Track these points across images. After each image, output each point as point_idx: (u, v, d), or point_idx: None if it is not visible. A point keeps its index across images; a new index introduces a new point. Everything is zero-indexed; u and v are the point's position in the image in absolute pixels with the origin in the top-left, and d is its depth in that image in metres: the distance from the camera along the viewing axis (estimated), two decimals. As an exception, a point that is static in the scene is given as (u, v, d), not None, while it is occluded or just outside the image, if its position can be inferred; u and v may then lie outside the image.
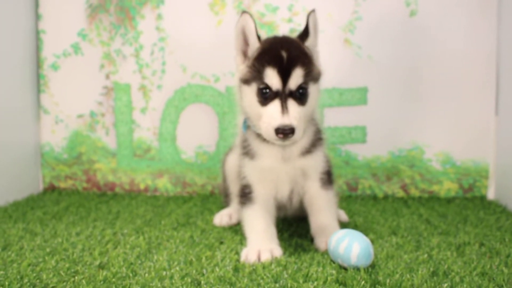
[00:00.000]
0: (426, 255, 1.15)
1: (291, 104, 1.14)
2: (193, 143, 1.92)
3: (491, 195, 1.80)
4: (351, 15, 1.83)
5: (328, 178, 1.30)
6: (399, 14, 1.80)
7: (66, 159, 1.98)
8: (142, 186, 1.96)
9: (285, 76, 1.14)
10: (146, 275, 1.04)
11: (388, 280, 0.97)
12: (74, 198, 1.86)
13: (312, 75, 1.19)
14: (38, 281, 1.01)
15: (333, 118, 1.85)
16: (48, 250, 1.22)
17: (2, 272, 1.06)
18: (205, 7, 1.88)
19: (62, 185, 1.99)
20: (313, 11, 1.20)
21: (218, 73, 1.89)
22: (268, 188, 1.28)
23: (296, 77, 1.15)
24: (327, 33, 1.83)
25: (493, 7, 1.76)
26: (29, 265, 1.11)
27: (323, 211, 1.28)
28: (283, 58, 1.15)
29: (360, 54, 1.83)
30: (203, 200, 1.83)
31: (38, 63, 1.94)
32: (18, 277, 1.03)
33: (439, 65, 1.79)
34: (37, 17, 1.92)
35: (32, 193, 1.94)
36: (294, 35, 1.86)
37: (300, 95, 1.16)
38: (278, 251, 1.18)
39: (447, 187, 1.82)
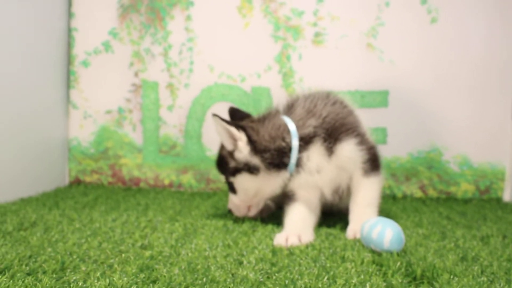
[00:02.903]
0: (453, 244, 1.20)
1: (230, 193, 1.47)
2: (218, 141, 1.96)
3: (507, 197, 1.86)
4: (374, 20, 1.90)
5: (370, 166, 1.33)
6: (421, 20, 1.87)
7: (92, 153, 2.03)
8: (166, 182, 2.01)
9: None
10: (190, 254, 1.09)
11: (421, 263, 1.02)
12: (100, 191, 1.91)
13: (229, 171, 1.40)
14: (86, 257, 1.06)
15: (354, 120, 1.91)
16: (88, 232, 1.27)
17: (50, 249, 1.11)
18: (233, 9, 1.95)
19: (88, 179, 2.05)
20: (212, 115, 1.38)
21: (244, 74, 1.95)
22: (310, 191, 1.36)
23: (222, 177, 1.47)
24: (351, 38, 1.91)
25: (510, 14, 1.83)
26: (74, 244, 1.16)
27: (359, 199, 1.33)
28: None
29: (383, 58, 1.90)
30: (226, 196, 1.88)
31: (69, 60, 2.01)
32: (68, 253, 1.08)
33: (458, 71, 1.86)
34: (70, 15, 2.00)
35: (59, 186, 1.99)
36: (317, 40, 1.95)
37: (230, 187, 1.44)
38: (306, 237, 1.23)
39: (464, 189, 1.88)
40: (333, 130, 1.33)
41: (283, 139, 1.33)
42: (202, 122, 1.98)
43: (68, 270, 0.97)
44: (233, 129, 1.35)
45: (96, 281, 0.89)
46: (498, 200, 1.85)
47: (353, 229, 1.28)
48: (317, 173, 1.33)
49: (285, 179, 1.35)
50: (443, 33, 1.86)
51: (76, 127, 2.03)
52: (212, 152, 1.99)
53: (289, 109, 1.41)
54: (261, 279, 0.92)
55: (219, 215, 1.54)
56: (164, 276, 0.92)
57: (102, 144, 2.03)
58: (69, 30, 2.00)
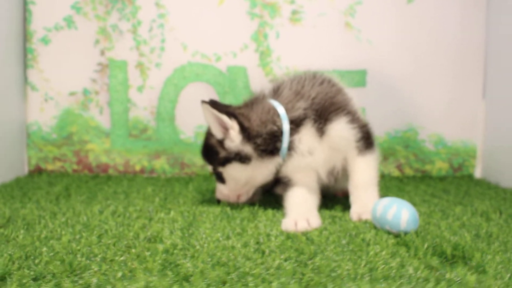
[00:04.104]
0: (459, 222, 1.21)
1: (217, 183, 1.40)
2: (193, 123, 1.88)
3: (478, 173, 1.93)
4: (351, -1, 1.88)
5: (364, 144, 1.31)
6: (397, 0, 1.87)
7: (55, 139, 1.87)
8: (137, 168, 1.90)
9: None
10: (205, 245, 1.01)
11: (443, 241, 1.01)
12: (67, 180, 1.76)
13: (218, 161, 1.33)
14: (92, 255, 0.95)
15: (332, 100, 1.89)
16: (79, 227, 1.15)
17: (45, 248, 0.99)
18: (207, -16, 1.85)
19: (50, 167, 1.88)
20: (202, 102, 1.29)
21: (219, 52, 1.87)
22: (306, 174, 1.32)
23: (209, 167, 1.40)
24: (328, 16, 1.87)
25: (483, -3, 1.88)
26: (69, 241, 1.04)
27: (357, 180, 1.30)
28: None
29: (360, 37, 1.88)
30: (205, 181, 1.81)
31: (25, 36, 1.82)
32: (69, 251, 0.97)
33: (433, 51, 1.89)
34: (25, -13, 1.80)
35: (18, 175, 1.81)
36: (295, 18, 1.89)
37: (218, 177, 1.38)
38: (315, 221, 1.19)
39: (438, 167, 1.93)
40: (323, 110, 1.31)
41: (274, 123, 1.29)
42: (175, 104, 1.88)
43: (78, 272, 0.87)
44: (225, 117, 1.28)
45: (125, 283, 0.80)
46: (470, 176, 1.91)
47: (357, 212, 1.26)
48: (309, 154, 1.30)
49: (277, 164, 1.31)
50: (419, 14, 1.87)
51: (36, 110, 1.84)
52: (186, 135, 1.89)
53: (275, 92, 1.36)
54: (298, 269, 0.87)
55: (209, 201, 1.47)
56: (196, 272, 0.85)
57: (66, 129, 1.86)
58: (25, 3, 1.80)
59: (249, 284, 0.79)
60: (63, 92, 1.85)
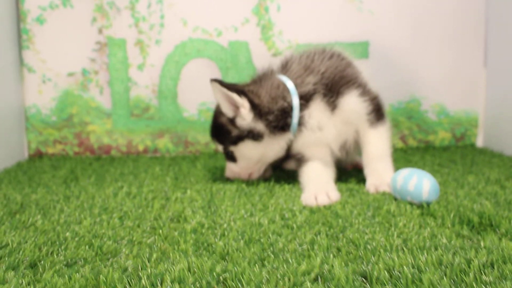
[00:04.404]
0: (475, 191, 1.22)
1: (227, 162, 1.40)
2: (196, 100, 1.86)
3: (479, 142, 1.95)
4: (352, -31, 1.85)
5: (375, 116, 1.30)
6: (398, -31, 1.85)
7: (55, 121, 1.82)
8: (140, 148, 1.87)
9: None
10: (232, 223, 1.01)
11: (466, 210, 1.02)
12: (70, 163, 1.73)
13: (230, 140, 1.32)
14: (118, 238, 0.94)
15: (335, 73, 1.88)
16: (97, 210, 1.13)
17: (68, 233, 0.97)
18: (205, -43, 1.80)
19: (51, 150, 1.84)
20: (211, 81, 1.27)
21: (220, 27, 1.83)
22: (318, 149, 1.31)
23: (219, 146, 1.38)
24: (329, -12, 1.84)
25: (483, -36, 1.86)
26: (90, 225, 1.02)
27: (371, 152, 1.30)
28: None
29: (361, 8, 1.86)
30: (211, 159, 1.79)
31: (19, 16, 1.75)
32: (93, 235, 0.95)
33: (434, 21, 1.88)
34: (16, -37, 1.73)
35: (19, 160, 1.77)
36: None
37: (229, 156, 1.37)
38: (334, 195, 1.19)
39: (441, 137, 1.94)
40: (333, 84, 1.30)
41: (284, 99, 1.28)
42: (177, 81, 1.84)
43: (110, 256, 0.85)
44: (235, 95, 1.26)
45: (165, 264, 0.78)
46: (472, 146, 1.93)
47: (374, 184, 1.27)
48: (319, 129, 1.29)
49: (288, 140, 1.31)
50: (421, -17, 1.86)
51: (34, 92, 1.79)
52: (190, 113, 1.86)
53: (284, 67, 1.35)
54: (332, 243, 0.87)
55: (222, 179, 1.45)
56: (231, 251, 0.84)
57: (66, 111, 1.82)
58: (16, -19, 1.74)
59: (290, 260, 0.79)
60: (62, 73, 1.80)
